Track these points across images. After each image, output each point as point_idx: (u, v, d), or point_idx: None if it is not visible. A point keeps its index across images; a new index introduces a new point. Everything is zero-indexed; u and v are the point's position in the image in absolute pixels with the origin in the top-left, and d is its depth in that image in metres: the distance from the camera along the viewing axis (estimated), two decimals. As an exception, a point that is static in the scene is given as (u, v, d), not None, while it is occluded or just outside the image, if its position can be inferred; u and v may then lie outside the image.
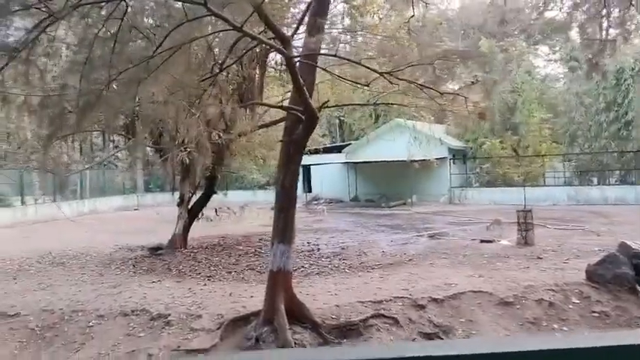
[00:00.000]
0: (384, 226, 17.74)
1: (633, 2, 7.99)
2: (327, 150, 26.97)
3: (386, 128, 26.89)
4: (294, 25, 8.05)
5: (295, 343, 6.57)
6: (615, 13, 9.86)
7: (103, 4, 4.88)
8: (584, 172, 26.76)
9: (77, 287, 9.35)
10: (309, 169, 30.28)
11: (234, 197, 24.52)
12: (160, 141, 11.87)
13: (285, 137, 7.06)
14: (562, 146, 27.18)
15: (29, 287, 9.53)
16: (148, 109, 6.78)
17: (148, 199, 30.64)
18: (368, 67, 5.83)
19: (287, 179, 6.96)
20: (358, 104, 8.65)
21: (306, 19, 7.29)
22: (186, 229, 13.05)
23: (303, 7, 8.23)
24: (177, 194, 23.76)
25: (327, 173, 28.92)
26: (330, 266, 10.66)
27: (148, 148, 12.49)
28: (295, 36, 7.61)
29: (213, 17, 5.59)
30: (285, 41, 5.96)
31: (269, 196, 29.08)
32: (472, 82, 6.51)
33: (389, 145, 24.78)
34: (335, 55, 5.94)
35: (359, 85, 9.41)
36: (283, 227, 6.94)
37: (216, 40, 6.89)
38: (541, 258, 10.73)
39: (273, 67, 12.58)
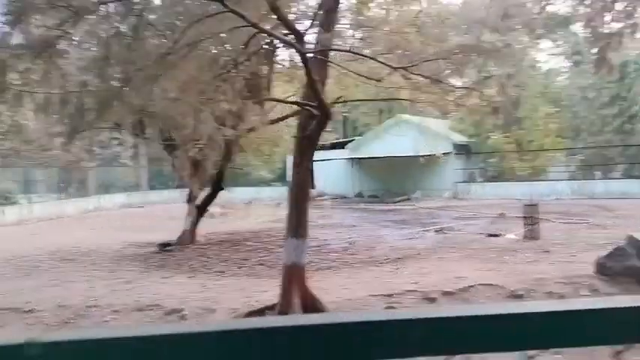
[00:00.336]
0: (390, 221, 17.81)
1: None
2: (331, 146, 27.02)
3: (389, 124, 26.95)
4: (302, 21, 8.10)
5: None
6: (620, 6, 9.87)
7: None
8: (588, 166, 26.80)
9: (90, 283, 9.44)
10: (312, 166, 30.33)
11: (239, 194, 24.57)
12: (169, 138, 11.94)
13: (298, 133, 7.11)
14: (566, 140, 27.21)
15: (42, 284, 9.61)
16: (161, 106, 6.83)
17: (152, 196, 30.68)
18: (383, 63, 5.89)
19: (300, 175, 7.03)
20: (369, 99, 8.69)
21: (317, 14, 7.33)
22: (195, 225, 13.13)
23: (311, 2, 8.27)
24: (181, 191, 23.93)
25: (330, 169, 28.98)
26: (340, 261, 10.74)
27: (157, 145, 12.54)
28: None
29: (225, 14, 5.65)
30: (299, 37, 6.03)
31: (274, 193, 29.21)
32: (486, 77, 6.56)
33: (392, 140, 24.85)
34: (349, 51, 6.00)
35: (372, 81, 9.51)
36: (297, 222, 7.02)
37: (225, 36, 6.94)
38: (549, 251, 10.80)
39: (280, 63, 12.61)
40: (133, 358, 0.60)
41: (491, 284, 8.46)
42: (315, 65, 6.63)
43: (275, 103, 11.69)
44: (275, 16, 5.97)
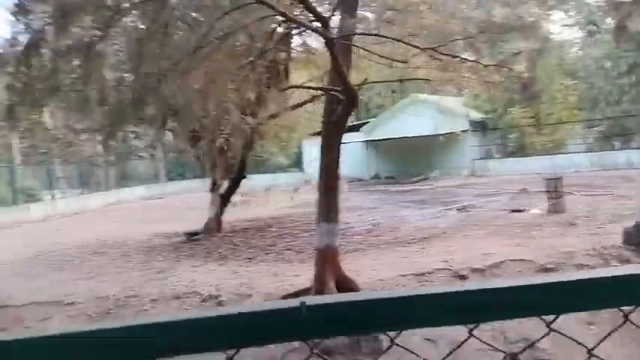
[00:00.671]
0: (410, 201, 17.88)
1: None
2: (347, 129, 27.01)
3: (403, 104, 26.84)
4: (322, 4, 8.12)
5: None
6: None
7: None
8: (606, 137, 26.51)
9: (125, 274, 9.68)
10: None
11: (257, 181, 24.75)
12: (193, 129, 12.07)
13: (325, 118, 7.19)
14: (583, 112, 26.90)
15: (78, 277, 9.88)
16: (191, 99, 6.94)
17: (170, 187, 31.04)
18: (410, 44, 5.92)
19: (329, 159, 7.12)
20: (393, 80, 8.70)
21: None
22: (220, 213, 13.33)
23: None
24: (201, 181, 24.10)
25: (345, 153, 28.90)
26: (365, 243, 10.86)
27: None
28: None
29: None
30: (325, 23, 6.07)
31: (290, 179, 29.38)
32: (515, 54, 6.55)
33: (407, 121, 24.79)
34: (376, 35, 6.04)
35: (385, 63, 9.53)
36: (328, 206, 7.13)
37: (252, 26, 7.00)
38: (575, 224, 10.81)
39: (295, 50, 12.64)
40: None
41: (521, 259, 8.53)
42: (340, 50, 6.68)
43: (292, 89, 11.76)
44: (300, 4, 6.01)
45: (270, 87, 8.31)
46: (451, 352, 1.09)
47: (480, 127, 27.08)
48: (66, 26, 4.35)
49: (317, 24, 6.31)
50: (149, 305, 8.07)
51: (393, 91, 27.65)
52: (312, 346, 0.78)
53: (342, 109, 6.80)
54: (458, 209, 14.51)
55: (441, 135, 22.70)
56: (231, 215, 15.35)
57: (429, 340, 6.38)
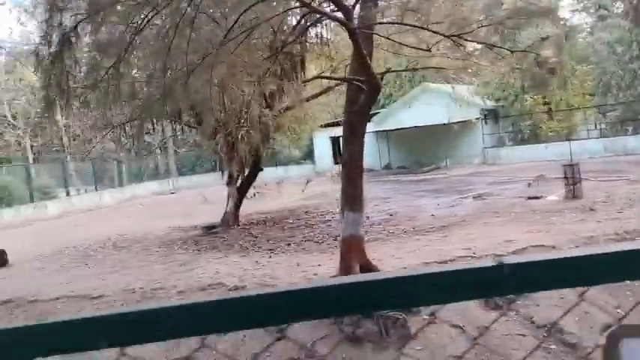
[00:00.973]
0: (424, 190, 17.90)
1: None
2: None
3: (414, 94, 26.74)
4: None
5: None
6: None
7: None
8: (620, 123, 26.32)
9: (148, 268, 9.79)
10: (338, 141, 30.41)
11: (269, 173, 24.82)
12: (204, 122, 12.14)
13: (347, 108, 7.22)
14: (595, 98, 26.70)
15: (103, 271, 10.01)
16: (215, 92, 6.99)
17: (182, 182, 31.25)
18: (435, 32, 5.93)
19: (353, 149, 7.16)
20: (415, 69, 8.68)
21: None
22: (237, 206, 13.42)
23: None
24: (215, 174, 24.07)
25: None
26: (384, 232, 10.93)
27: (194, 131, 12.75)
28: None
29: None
30: (348, 13, 6.09)
31: (302, 171, 29.45)
32: (543, 38, 6.53)
33: (418, 110, 24.72)
34: (401, 23, 6.06)
35: (398, 52, 9.53)
36: (352, 195, 7.18)
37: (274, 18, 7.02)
38: (594, 210, 10.80)
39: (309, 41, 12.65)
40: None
41: (543, 245, 8.55)
42: (362, 39, 6.69)
43: (309, 81, 11.79)
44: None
45: (289, 79, 8.33)
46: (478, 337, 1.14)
47: (491, 114, 26.97)
48: (99, 22, 4.41)
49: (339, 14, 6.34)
50: (176, 297, 8.17)
51: (410, 80, 27.48)
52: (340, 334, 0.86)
53: (365, 98, 6.84)
54: (474, 197, 14.51)
55: (452, 124, 22.63)
56: (246, 208, 15.45)
57: (456, 326, 6.46)
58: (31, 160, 30.31)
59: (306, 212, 15.27)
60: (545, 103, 24.72)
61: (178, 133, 13.59)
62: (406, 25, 5.92)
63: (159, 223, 15.83)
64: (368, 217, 13.16)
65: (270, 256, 9.77)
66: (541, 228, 9.66)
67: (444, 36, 5.87)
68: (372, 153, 28.78)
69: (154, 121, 10.66)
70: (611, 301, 6.18)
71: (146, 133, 28.94)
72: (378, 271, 7.34)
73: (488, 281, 0.77)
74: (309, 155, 30.97)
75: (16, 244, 13.22)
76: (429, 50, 6.64)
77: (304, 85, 10.84)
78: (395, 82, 29.62)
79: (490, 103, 26.78)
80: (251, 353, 6.00)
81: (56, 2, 4.51)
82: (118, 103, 5.90)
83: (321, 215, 14.35)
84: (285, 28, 6.92)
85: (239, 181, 13.76)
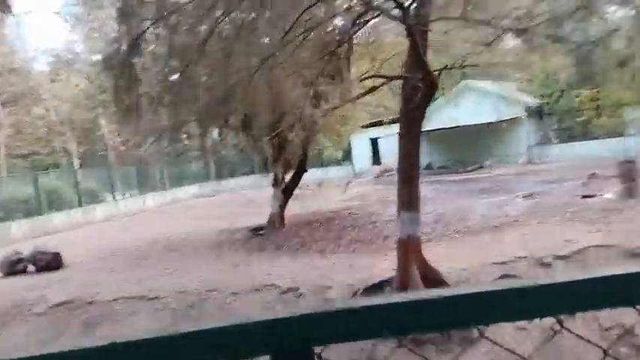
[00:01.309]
0: (469, 190, 17.54)
1: None
2: (395, 121, 26.72)
3: (456, 92, 26.28)
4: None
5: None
6: None
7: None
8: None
9: (201, 269, 9.89)
10: (376, 142, 30.22)
11: (308, 175, 24.84)
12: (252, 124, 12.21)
13: (403, 107, 7.11)
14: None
15: (157, 272, 10.17)
16: (266, 95, 6.99)
17: (221, 185, 31.65)
18: (497, 27, 5.75)
19: (409, 148, 7.04)
20: (472, 65, 8.49)
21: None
22: (282, 208, 13.44)
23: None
24: (257, 177, 24.15)
25: (394, 144, 28.72)
26: (435, 233, 10.72)
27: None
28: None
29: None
30: (405, 11, 5.99)
31: (341, 172, 29.37)
32: (614, 30, 6.25)
33: (460, 109, 24.25)
34: (461, 18, 5.90)
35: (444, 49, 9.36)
36: (409, 196, 7.05)
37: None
38: (656, 208, 10.33)
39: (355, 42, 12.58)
40: None
41: (606, 245, 8.21)
42: (418, 37, 6.57)
43: (351, 80, 11.70)
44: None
45: (340, 79, 8.27)
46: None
47: (535, 112, 26.24)
48: (167, 27, 4.47)
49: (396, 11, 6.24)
50: (230, 298, 8.23)
51: (450, 78, 26.98)
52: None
53: (421, 96, 6.71)
54: (524, 196, 14.11)
55: (495, 122, 22.15)
56: (290, 209, 15.47)
57: (522, 329, 6.24)
58: (76, 165, 31.27)
59: (349, 214, 15.17)
60: (593, 99, 23.89)
61: (221, 136, 13.67)
62: (468, 20, 5.77)
63: (204, 225, 16.02)
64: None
65: (321, 258, 9.73)
66: (600, 227, 9.28)
67: (510, 31, 5.70)
68: (411, 153, 28.49)
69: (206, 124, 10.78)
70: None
71: (187, 138, 29.32)
72: (437, 272, 7.19)
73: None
74: (347, 156, 30.88)
75: (69, 247, 13.58)
76: (489, 45, 6.47)
77: (351, 84, 10.74)
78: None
79: (534, 101, 26.08)
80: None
81: (126, 9, 4.61)
82: (185, 107, 5.98)
83: (366, 216, 14.23)
84: (337, 28, 6.86)
85: (284, 183, 13.79)
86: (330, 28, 6.29)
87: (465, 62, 9.99)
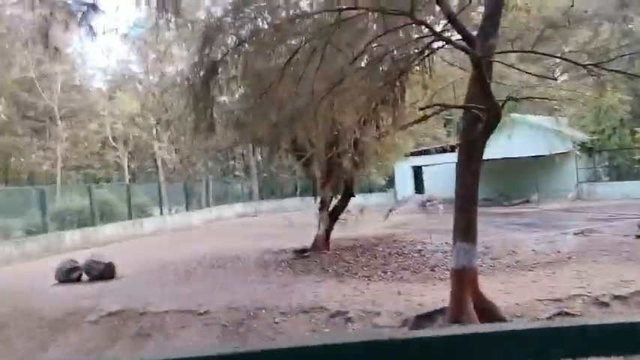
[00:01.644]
0: (517, 224, 17.20)
1: None
2: (439, 150, 26.61)
3: (502, 124, 25.96)
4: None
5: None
6: None
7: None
8: None
9: (249, 287, 10.04)
10: (420, 170, 30.08)
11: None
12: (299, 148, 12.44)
13: (463, 136, 7.15)
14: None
15: (205, 288, 10.38)
16: (327, 119, 7.16)
17: (264, 205, 32.10)
18: (570, 61, 5.78)
19: (467, 178, 7.05)
20: (535, 98, 8.47)
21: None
22: (329, 231, 13.53)
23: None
24: (301, 199, 24.23)
25: (438, 174, 28.51)
26: (485, 265, 10.55)
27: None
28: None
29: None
30: (472, 41, 6.09)
31: (380, 199, 29.31)
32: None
33: (507, 141, 23.88)
34: (531, 52, 5.96)
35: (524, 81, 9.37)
36: (466, 226, 7.03)
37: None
38: None
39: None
40: None
41: (667, 288, 7.92)
42: (484, 67, 6.64)
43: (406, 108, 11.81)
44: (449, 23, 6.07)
45: (396, 106, 8.40)
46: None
47: (585, 148, 25.61)
48: (244, 55, 4.75)
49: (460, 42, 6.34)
50: (279, 318, 8.31)
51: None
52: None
53: (483, 126, 6.75)
54: (575, 233, 13.74)
55: (545, 156, 21.73)
56: (333, 233, 15.54)
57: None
58: (127, 180, 32.38)
59: (394, 241, 15.12)
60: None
61: (271, 158, 13.93)
62: (538, 54, 5.82)
63: (248, 244, 16.24)
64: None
65: (369, 283, 9.72)
66: (661, 269, 8.95)
67: (582, 65, 5.71)
68: (454, 184, 28.15)
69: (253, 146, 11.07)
70: None
71: (233, 159, 29.85)
72: (493, 306, 7.08)
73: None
74: (389, 184, 30.84)
75: (120, 259, 14.01)
76: (555, 79, 6.48)
77: (404, 113, 10.86)
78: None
79: (585, 137, 25.48)
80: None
81: (210, 33, 4.91)
82: (250, 128, 6.23)
83: (411, 244, 14.15)
84: (401, 56, 7.01)
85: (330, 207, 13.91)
86: (398, 57, 6.43)
87: (519, 95, 10.01)
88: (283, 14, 5.03)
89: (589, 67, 5.59)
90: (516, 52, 6.38)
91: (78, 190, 22.31)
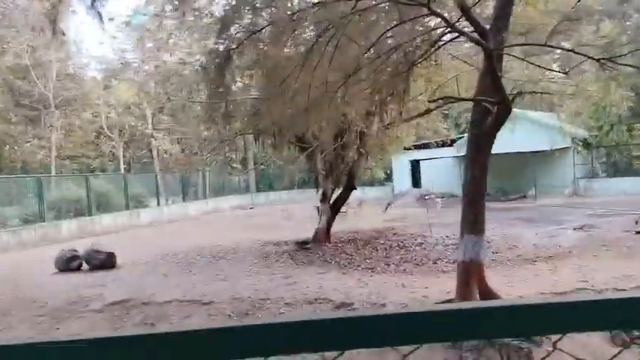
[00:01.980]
0: (515, 219, 17.28)
1: None
2: (439, 144, 26.64)
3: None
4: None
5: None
6: None
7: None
8: None
9: (253, 278, 10.03)
10: (418, 164, 30.13)
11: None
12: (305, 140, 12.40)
13: (472, 130, 7.16)
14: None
15: (208, 278, 10.36)
16: (339, 110, 7.14)
17: (260, 198, 32.07)
18: (583, 55, 5.79)
19: (476, 171, 7.06)
20: (548, 93, 8.44)
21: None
22: (330, 223, 13.54)
23: None
24: (285, 192, 24.24)
25: (436, 168, 28.61)
26: (486, 259, 10.59)
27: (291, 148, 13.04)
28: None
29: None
30: (485, 34, 6.08)
31: (378, 193, 29.33)
32: None
33: (504, 136, 23.92)
34: (545, 45, 5.96)
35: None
36: (474, 219, 7.05)
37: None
38: None
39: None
40: None
41: (670, 283, 8.00)
42: (495, 61, 6.63)
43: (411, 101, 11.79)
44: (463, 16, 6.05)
45: (402, 99, 8.38)
46: None
47: (583, 144, 25.74)
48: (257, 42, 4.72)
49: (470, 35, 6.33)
50: (284, 309, 8.31)
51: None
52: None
53: (493, 119, 6.76)
54: (575, 228, 13.84)
55: (541, 151, 21.82)
56: (332, 226, 15.54)
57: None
58: (122, 170, 32.20)
59: (394, 234, 15.17)
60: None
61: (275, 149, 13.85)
62: (551, 47, 5.82)
63: (248, 236, 16.23)
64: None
65: (372, 275, 9.74)
66: (662, 265, 9.04)
67: (595, 60, 5.72)
68: (451, 179, 28.25)
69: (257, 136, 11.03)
70: None
71: (230, 150, 29.73)
72: (499, 298, 7.12)
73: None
74: (386, 177, 30.89)
75: (118, 249, 13.95)
76: (566, 73, 6.49)
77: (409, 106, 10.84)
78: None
79: (582, 133, 25.60)
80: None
81: (226, 20, 4.86)
82: (278, 117, 6.19)
83: (412, 237, 14.20)
84: (412, 47, 6.98)
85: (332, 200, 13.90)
86: (410, 49, 6.41)
87: (522, 90, 10.02)
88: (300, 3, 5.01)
89: (602, 61, 5.61)
90: (526, 45, 6.38)
91: (75, 180, 22.15)
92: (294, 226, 18.23)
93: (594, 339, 6.18)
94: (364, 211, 22.56)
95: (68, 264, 11.99)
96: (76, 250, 12.27)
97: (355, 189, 14.05)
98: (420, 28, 6.10)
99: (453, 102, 8.94)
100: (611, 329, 0.80)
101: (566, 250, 10.96)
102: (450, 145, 27.94)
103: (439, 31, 6.44)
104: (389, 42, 6.04)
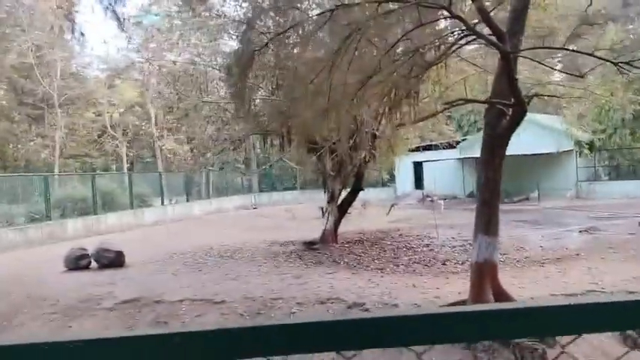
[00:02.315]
0: (519, 221, 17.34)
1: None
2: (444, 146, 26.69)
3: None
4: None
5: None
6: None
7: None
8: None
9: (263, 278, 10.08)
10: (420, 166, 30.19)
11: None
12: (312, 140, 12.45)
13: (487, 131, 7.22)
14: None
15: (218, 278, 10.40)
16: (356, 111, 7.19)
17: (263, 198, 32.13)
18: (599, 58, 5.87)
19: (490, 173, 7.13)
20: (562, 97, 8.51)
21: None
22: (337, 224, 13.59)
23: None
24: (288, 193, 24.34)
25: (439, 170, 28.67)
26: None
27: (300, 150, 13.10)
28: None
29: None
30: (502, 37, 6.14)
31: (382, 194, 29.42)
32: None
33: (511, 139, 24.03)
34: (563, 48, 6.04)
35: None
36: (487, 220, 7.11)
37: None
38: None
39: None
40: None
41: (680, 285, 8.07)
42: (511, 63, 6.69)
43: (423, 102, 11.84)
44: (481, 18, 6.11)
45: (415, 100, 8.45)
46: None
47: (586, 147, 25.83)
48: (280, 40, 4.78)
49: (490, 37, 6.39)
50: (296, 308, 8.36)
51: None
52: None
53: (508, 121, 6.83)
54: (580, 231, 13.91)
55: (544, 154, 21.89)
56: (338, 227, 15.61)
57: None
58: (125, 169, 32.24)
59: (400, 235, 15.23)
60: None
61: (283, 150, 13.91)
62: (568, 50, 5.89)
63: (253, 236, 16.29)
64: (471, 244, 12.94)
65: (382, 276, 9.79)
66: (672, 267, 9.11)
67: (613, 63, 5.78)
68: (454, 180, 28.36)
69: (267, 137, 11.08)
70: None
71: (233, 150, 29.69)
72: (512, 299, 7.18)
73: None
74: (389, 179, 30.98)
75: (127, 247, 13.99)
76: (582, 77, 6.56)
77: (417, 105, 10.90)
78: (480, 110, 29.09)
79: (586, 136, 25.69)
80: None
81: (251, 21, 4.93)
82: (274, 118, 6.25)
83: (418, 238, 14.26)
84: (429, 49, 7.04)
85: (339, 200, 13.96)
86: (426, 51, 6.48)
87: (537, 92, 10.08)
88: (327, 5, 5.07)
89: (620, 64, 5.67)
90: (544, 48, 6.45)
91: (80, 179, 22.20)
92: (298, 227, 18.31)
93: (605, 340, 6.25)
94: (368, 212, 22.68)
95: (77, 262, 12.02)
96: (85, 249, 12.30)
97: (362, 190, 14.11)
98: (437, 29, 6.16)
99: (464, 104, 8.98)
100: (623, 330, 0.87)
101: (573, 253, 11.03)
102: (453, 147, 28.01)
103: (455, 34, 6.51)
104: (407, 44, 6.09)
